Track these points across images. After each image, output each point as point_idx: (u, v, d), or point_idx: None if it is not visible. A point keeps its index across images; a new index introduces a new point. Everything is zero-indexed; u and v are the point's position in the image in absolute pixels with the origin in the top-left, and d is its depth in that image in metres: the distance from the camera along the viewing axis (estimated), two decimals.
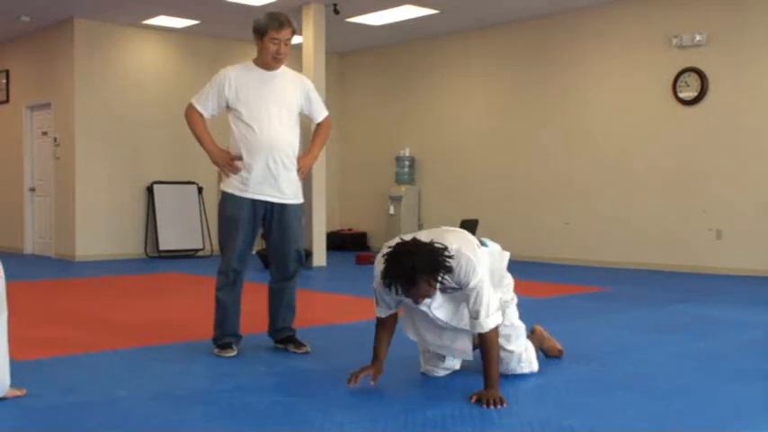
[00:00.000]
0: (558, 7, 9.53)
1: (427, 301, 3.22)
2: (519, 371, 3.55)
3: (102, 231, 10.34)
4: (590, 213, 9.49)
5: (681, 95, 8.67)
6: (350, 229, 12.18)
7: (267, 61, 4.09)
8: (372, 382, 3.27)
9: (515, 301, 3.60)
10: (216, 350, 4.11)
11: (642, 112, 9.02)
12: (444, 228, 3.42)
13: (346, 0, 9.10)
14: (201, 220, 10.94)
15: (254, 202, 4.08)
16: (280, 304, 4.22)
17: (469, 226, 9.89)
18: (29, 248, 11.29)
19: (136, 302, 6.40)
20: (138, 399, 3.25)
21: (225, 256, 4.13)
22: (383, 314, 3.37)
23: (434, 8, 9.50)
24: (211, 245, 10.76)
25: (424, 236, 3.22)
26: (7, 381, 3.12)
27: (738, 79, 8.32)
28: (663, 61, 8.81)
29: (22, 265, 9.60)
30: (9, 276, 3.20)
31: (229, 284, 4.12)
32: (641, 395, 3.26)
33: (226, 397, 3.27)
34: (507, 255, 3.58)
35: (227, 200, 4.11)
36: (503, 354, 3.43)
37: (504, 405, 3.06)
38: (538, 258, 9.91)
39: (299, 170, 4.18)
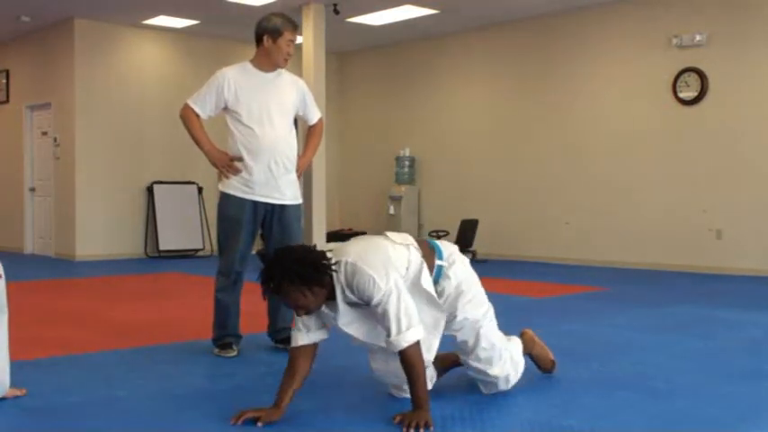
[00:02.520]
0: (558, 7, 9.53)
1: (330, 315, 2.93)
2: (506, 387, 3.23)
3: (102, 231, 10.35)
4: (590, 213, 9.49)
5: (681, 95, 8.67)
6: (350, 229, 12.17)
7: (277, 62, 4.09)
8: (260, 424, 2.78)
9: (491, 312, 3.17)
10: (216, 350, 4.11)
11: (642, 112, 9.02)
12: (371, 237, 3.08)
13: (346, 0, 9.10)
14: (201, 220, 10.95)
15: (256, 204, 4.08)
16: (279, 304, 4.21)
17: (469, 226, 9.92)
18: (29, 248, 11.30)
19: (136, 302, 6.39)
20: (137, 399, 3.24)
21: (226, 257, 4.12)
22: (300, 340, 2.94)
23: (434, 8, 9.50)
24: (211, 245, 10.75)
25: (333, 246, 2.96)
26: (7, 381, 3.12)
27: (738, 79, 8.32)
28: (663, 61, 8.81)
29: (22, 265, 9.59)
30: (9, 276, 3.20)
31: (230, 285, 4.12)
32: (641, 395, 3.26)
33: (226, 397, 3.27)
34: (466, 260, 3.19)
35: (228, 201, 4.10)
36: (487, 379, 3.18)
37: (431, 430, 2.72)
38: (538, 258, 9.91)
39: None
